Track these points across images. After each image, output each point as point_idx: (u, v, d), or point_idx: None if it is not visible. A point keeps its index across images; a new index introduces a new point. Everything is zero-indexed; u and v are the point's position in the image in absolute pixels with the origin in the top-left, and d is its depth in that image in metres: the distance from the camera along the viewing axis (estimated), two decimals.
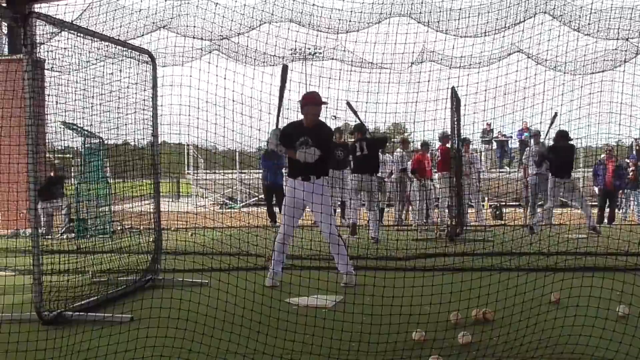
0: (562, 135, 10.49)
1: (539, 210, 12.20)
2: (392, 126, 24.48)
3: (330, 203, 6.60)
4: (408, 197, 13.80)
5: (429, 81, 7.60)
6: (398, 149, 14.48)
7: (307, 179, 6.19)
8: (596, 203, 14.89)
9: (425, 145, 13.47)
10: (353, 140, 10.32)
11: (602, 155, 14.98)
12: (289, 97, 6.59)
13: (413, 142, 14.79)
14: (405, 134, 18.24)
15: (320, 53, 13.36)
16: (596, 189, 15.14)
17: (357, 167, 10.00)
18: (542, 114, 8.01)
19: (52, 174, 11.80)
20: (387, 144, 15.11)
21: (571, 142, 10.71)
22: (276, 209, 13.12)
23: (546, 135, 11.19)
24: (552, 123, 10.35)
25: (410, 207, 13.94)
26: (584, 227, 10.63)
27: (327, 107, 6.84)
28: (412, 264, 7.23)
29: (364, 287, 5.54)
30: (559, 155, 10.68)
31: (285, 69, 6.46)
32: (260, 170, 14.08)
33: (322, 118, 6.63)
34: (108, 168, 10.31)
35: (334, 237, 6.22)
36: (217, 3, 9.86)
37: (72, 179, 11.29)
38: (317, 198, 6.09)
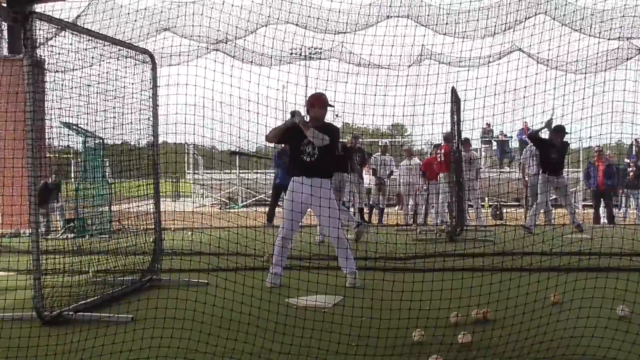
0: (559, 131, 10.26)
1: (532, 208, 12.11)
2: (392, 126, 24.50)
3: (335, 204, 6.39)
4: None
5: (428, 76, 7.55)
6: (405, 161, 14.54)
7: (310, 176, 6.03)
8: (591, 204, 14.86)
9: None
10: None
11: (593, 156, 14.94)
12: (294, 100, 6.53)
13: (412, 141, 14.77)
14: (406, 134, 18.26)
15: (320, 53, 13.35)
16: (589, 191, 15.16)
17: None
18: (543, 113, 7.98)
19: (48, 180, 11.69)
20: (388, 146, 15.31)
21: (566, 140, 10.52)
22: (279, 210, 13.09)
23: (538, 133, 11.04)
24: (546, 126, 10.26)
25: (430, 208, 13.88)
26: (586, 227, 10.60)
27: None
28: (412, 264, 7.23)
29: (364, 287, 5.54)
30: (553, 150, 10.46)
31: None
32: (273, 171, 14.12)
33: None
34: (108, 168, 10.29)
35: (341, 239, 6.15)
36: (212, 7, 9.82)
37: (72, 179, 11.24)
38: (320, 198, 5.96)
